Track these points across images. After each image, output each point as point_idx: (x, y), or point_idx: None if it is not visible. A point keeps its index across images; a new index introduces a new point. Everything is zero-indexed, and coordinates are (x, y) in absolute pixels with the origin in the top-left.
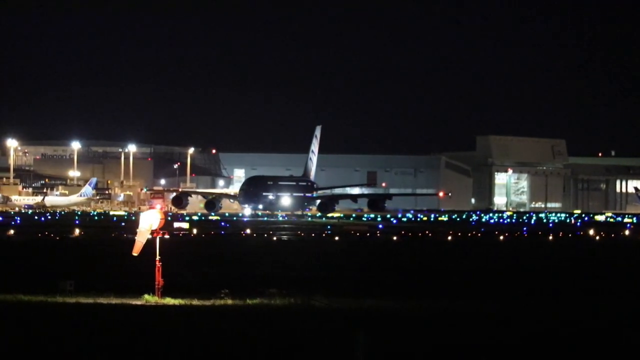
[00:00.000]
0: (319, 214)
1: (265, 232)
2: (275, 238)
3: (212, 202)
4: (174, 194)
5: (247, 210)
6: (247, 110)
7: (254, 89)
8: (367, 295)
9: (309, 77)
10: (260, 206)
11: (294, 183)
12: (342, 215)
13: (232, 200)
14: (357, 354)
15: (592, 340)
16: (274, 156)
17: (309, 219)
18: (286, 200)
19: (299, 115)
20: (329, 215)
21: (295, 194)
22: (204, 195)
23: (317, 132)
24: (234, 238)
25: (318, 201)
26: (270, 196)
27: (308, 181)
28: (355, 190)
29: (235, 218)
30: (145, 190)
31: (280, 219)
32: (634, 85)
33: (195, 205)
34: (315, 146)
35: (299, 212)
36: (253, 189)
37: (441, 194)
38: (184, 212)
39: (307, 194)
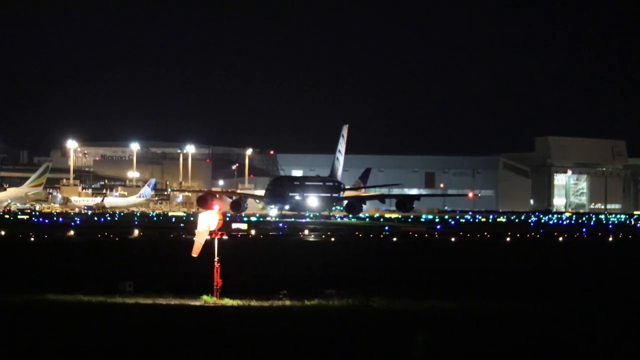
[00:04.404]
0: (372, 214)
1: (323, 233)
2: (333, 239)
3: (238, 203)
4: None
5: (274, 211)
6: (305, 111)
7: (312, 89)
8: (426, 296)
9: (366, 78)
10: (287, 207)
11: (321, 183)
12: (399, 216)
13: (257, 201)
14: (416, 355)
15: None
16: (332, 157)
17: (367, 219)
18: (313, 200)
19: (356, 116)
20: (389, 216)
21: (322, 194)
22: (229, 195)
23: (344, 131)
24: (292, 239)
25: (345, 201)
26: (297, 196)
27: (335, 181)
28: (414, 191)
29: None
30: (170, 190)
31: (312, 219)
32: None
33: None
34: (342, 146)
35: (326, 213)
36: (279, 189)
37: (470, 194)
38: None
39: (334, 194)
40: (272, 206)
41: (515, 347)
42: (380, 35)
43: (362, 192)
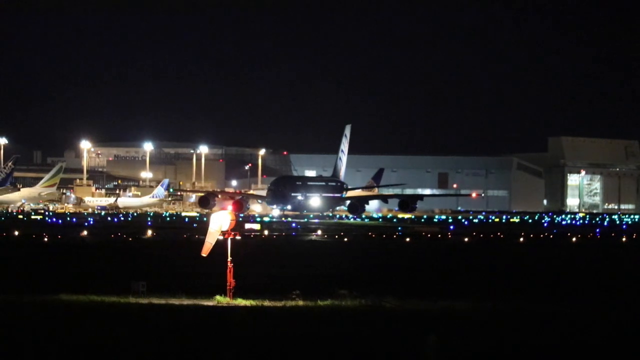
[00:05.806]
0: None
1: (336, 234)
2: (346, 239)
3: (240, 203)
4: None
5: (276, 212)
6: (319, 111)
7: (325, 89)
8: (439, 296)
9: (380, 78)
10: (289, 207)
11: (323, 183)
12: (412, 216)
13: (259, 201)
14: (428, 355)
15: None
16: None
17: (379, 220)
18: (315, 200)
19: (370, 117)
20: (402, 216)
21: (324, 195)
22: (231, 195)
23: (347, 131)
24: (305, 239)
25: (348, 202)
26: (299, 197)
27: (337, 181)
28: (427, 191)
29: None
30: (172, 191)
31: (323, 220)
32: None
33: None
34: (345, 145)
35: (328, 213)
36: (281, 190)
37: (474, 194)
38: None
39: (336, 194)
40: (274, 206)
41: (523, 347)
42: (395, 35)
43: (375, 192)
